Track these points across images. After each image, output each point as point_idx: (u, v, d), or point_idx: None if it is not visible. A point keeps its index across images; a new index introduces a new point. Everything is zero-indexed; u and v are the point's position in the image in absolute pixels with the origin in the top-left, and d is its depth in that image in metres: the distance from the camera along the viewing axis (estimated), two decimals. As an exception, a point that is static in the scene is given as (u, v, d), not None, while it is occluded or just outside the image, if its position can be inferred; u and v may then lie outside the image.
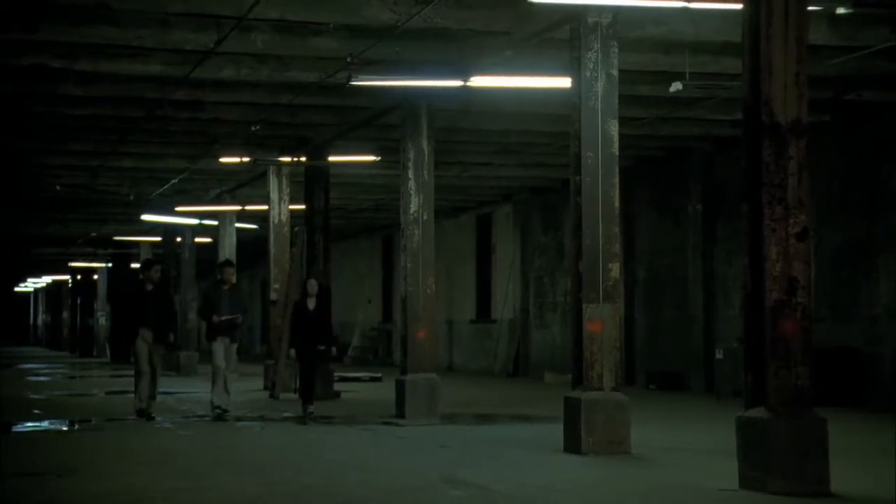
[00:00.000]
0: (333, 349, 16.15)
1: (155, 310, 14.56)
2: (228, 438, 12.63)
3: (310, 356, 15.03)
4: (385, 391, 16.97)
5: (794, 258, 8.17)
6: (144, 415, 14.36)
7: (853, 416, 14.18)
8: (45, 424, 14.37)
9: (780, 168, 8.19)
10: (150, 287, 14.78)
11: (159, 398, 18.99)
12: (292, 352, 15.19)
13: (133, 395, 14.81)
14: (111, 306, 16.38)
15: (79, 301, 48.60)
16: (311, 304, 15.05)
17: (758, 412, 8.14)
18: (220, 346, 14.66)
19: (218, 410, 14.53)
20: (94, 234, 34.26)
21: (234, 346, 14.95)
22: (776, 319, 8.13)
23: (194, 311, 29.46)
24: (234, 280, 15.29)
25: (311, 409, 14.85)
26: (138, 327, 14.42)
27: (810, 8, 8.72)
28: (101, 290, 43.35)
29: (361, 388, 21.07)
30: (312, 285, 15.33)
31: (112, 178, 23.22)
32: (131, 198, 25.12)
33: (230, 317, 14.65)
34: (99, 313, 43.38)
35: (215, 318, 14.61)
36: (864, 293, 16.57)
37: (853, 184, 16.83)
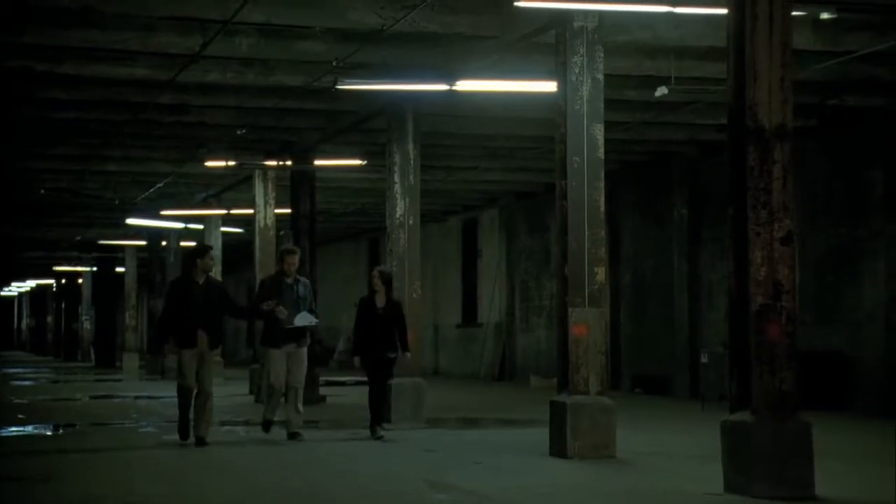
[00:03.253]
0: (407, 355, 12.53)
1: (208, 307, 11.69)
2: (213, 442, 12.59)
3: (380, 365, 12.32)
4: (371, 395, 16.92)
5: (778, 262, 8.20)
6: (200, 442, 11.70)
7: (837, 420, 14.23)
8: (28, 429, 14.30)
9: (764, 172, 8.21)
10: (201, 280, 11.78)
11: (144, 402, 19.07)
12: (356, 360, 12.37)
13: (178, 415, 11.99)
14: (164, 301, 12.41)
15: (63, 305, 48.49)
16: (380, 300, 12.36)
17: (742, 416, 8.16)
18: (281, 358, 11.96)
19: (269, 428, 12.32)
20: (78, 238, 34.15)
21: (304, 352, 12.10)
22: (761, 323, 8.15)
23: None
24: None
25: (381, 432, 12.32)
26: (186, 329, 11.59)
27: (794, 13, 8.75)
28: (86, 294, 43.25)
29: (347, 393, 21.04)
30: (383, 275, 12.55)
31: (97, 182, 23.16)
32: (116, 202, 25.05)
33: (302, 325, 11.96)
34: (83, 317, 43.27)
35: (284, 322, 11.87)
36: (847, 297, 16.64)
37: (838, 188, 16.90)
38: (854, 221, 16.55)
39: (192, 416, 11.81)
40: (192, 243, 27.14)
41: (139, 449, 11.85)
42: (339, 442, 12.53)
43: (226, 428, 14.15)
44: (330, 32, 12.14)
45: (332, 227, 31.98)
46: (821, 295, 16.98)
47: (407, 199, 14.50)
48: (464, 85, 12.61)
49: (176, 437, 11.95)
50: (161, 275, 30.17)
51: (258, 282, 12.32)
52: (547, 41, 11.30)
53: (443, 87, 12.71)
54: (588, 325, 10.66)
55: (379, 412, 12.40)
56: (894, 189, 15.87)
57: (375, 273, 12.59)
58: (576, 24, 10.67)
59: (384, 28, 11.33)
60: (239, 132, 17.36)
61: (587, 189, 10.74)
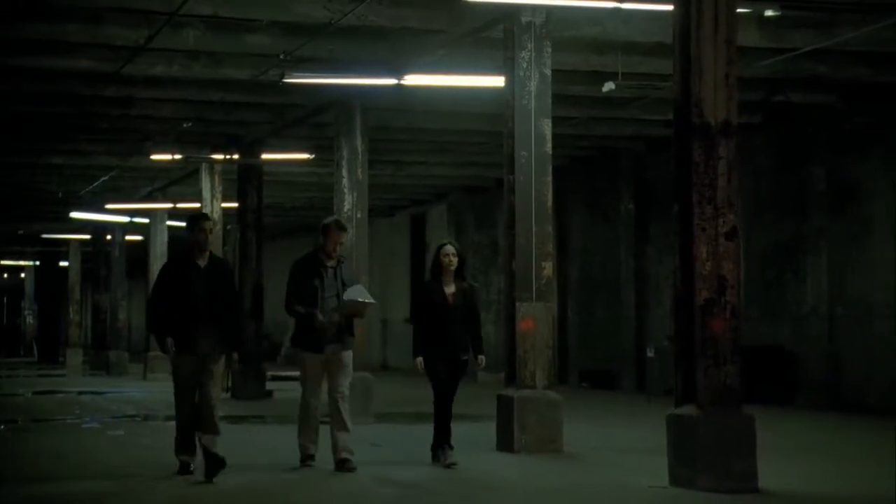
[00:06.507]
0: (482, 358, 9.79)
1: (212, 297, 8.96)
2: (160, 439, 12.49)
3: (450, 370, 9.74)
4: (318, 390, 16.86)
5: (723, 257, 8.27)
6: (185, 469, 9.09)
7: (780, 414, 14.40)
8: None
9: (709, 168, 8.29)
10: (202, 261, 9.08)
11: (88, 398, 18.87)
12: (419, 361, 9.71)
13: (175, 433, 9.35)
14: (153, 293, 9.18)
15: (5, 300, 47.88)
16: (449, 285, 9.67)
17: (687, 410, 8.23)
18: (318, 366, 9.41)
19: (309, 462, 9.61)
20: (21, 232, 33.71)
21: (349, 355, 9.48)
22: (706, 318, 8.22)
23: (124, 309, 29.20)
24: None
25: (451, 456, 9.66)
26: (183, 327, 8.90)
27: (739, 10, 8.83)
28: (29, 288, 42.70)
29: (294, 388, 20.94)
30: (450, 254, 9.64)
31: (41, 176, 22.87)
32: (60, 195, 24.76)
33: (361, 301, 9.25)
34: (26, 312, 42.73)
35: (319, 317, 9.22)
36: (791, 292, 16.83)
37: (782, 184, 17.09)
38: (798, 217, 16.74)
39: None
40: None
41: (85, 446, 11.69)
42: (284, 436, 12.46)
43: (171, 423, 14.03)
44: (277, 25, 12.08)
45: (279, 221, 31.84)
46: (765, 290, 17.17)
47: (355, 194, 14.46)
48: (412, 79, 12.60)
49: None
50: (106, 269, 29.85)
51: (291, 267, 9.58)
52: (496, 36, 11.32)
53: (391, 81, 12.69)
54: (535, 320, 10.70)
55: (447, 431, 9.77)
56: (837, 185, 16.08)
57: (450, 249, 9.68)
58: (523, 20, 10.70)
59: (332, 21, 11.28)
60: (185, 125, 17.23)
61: (535, 184, 10.77)
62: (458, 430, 13.18)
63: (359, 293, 9.30)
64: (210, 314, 8.90)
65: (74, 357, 32.62)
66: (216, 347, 8.93)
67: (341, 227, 9.50)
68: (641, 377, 19.42)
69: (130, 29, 11.79)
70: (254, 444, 11.78)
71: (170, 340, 8.94)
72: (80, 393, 20.05)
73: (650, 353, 17.85)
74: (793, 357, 16.59)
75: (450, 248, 9.70)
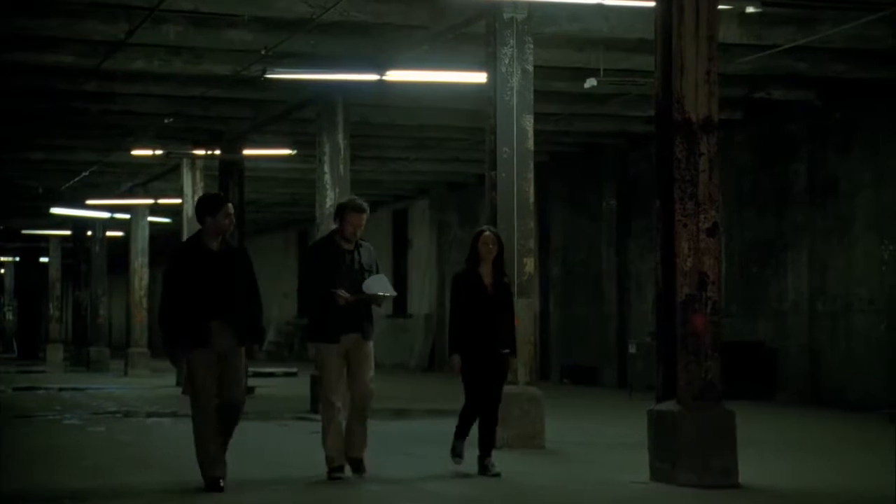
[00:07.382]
0: (512, 361, 9.16)
1: (228, 285, 7.94)
2: (140, 436, 12.46)
3: (490, 368, 8.72)
4: (300, 387, 16.87)
5: (704, 253, 8.29)
6: (215, 485, 7.99)
7: (760, 410, 14.45)
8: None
9: (691, 164, 8.30)
10: (216, 246, 7.98)
11: (68, 395, 18.79)
12: (455, 359, 8.65)
13: (196, 447, 8.15)
14: (164, 284, 7.89)
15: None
16: (488, 277, 8.71)
17: (668, 405, 8.25)
18: (333, 356, 8.44)
19: (337, 474, 8.57)
20: (0, 228, 33.56)
21: (370, 347, 8.56)
22: (687, 314, 8.24)
23: (104, 306, 29.10)
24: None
25: (492, 463, 8.78)
26: (197, 319, 7.85)
27: (720, 6, 8.85)
28: (8, 284, 42.52)
29: (276, 384, 20.95)
30: (489, 241, 8.68)
31: (21, 171, 22.77)
32: (40, 190, 24.66)
33: (380, 294, 8.46)
34: (6, 308, 42.56)
35: (341, 293, 8.31)
36: (772, 288, 16.89)
37: (763, 180, 17.15)
38: (779, 213, 16.81)
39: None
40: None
41: (65, 443, 11.63)
42: (266, 433, 12.45)
43: (152, 420, 14.02)
44: (258, 21, 12.05)
45: (261, 217, 31.79)
46: (746, 286, 17.23)
47: (337, 190, 14.46)
48: (394, 75, 12.59)
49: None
50: (87, 265, 29.74)
51: (306, 253, 8.63)
52: (477, 32, 11.33)
53: (373, 77, 12.68)
54: (517, 316, 10.68)
55: (492, 437, 8.89)
56: (817, 181, 16.14)
57: (490, 237, 8.72)
58: (505, 16, 10.69)
59: (313, 17, 11.27)
60: (166, 121, 17.18)
61: (517, 180, 10.78)
62: (438, 425, 13.21)
63: (380, 286, 8.44)
64: (224, 302, 7.87)
65: (55, 353, 32.52)
66: (235, 342, 7.93)
67: (358, 209, 8.52)
68: (623, 373, 19.46)
69: (111, 24, 11.75)
70: (242, 443, 11.75)
71: (177, 353, 7.95)
72: (61, 389, 19.97)
73: (632, 349, 17.89)
74: (773, 353, 16.66)
75: (490, 236, 8.72)
